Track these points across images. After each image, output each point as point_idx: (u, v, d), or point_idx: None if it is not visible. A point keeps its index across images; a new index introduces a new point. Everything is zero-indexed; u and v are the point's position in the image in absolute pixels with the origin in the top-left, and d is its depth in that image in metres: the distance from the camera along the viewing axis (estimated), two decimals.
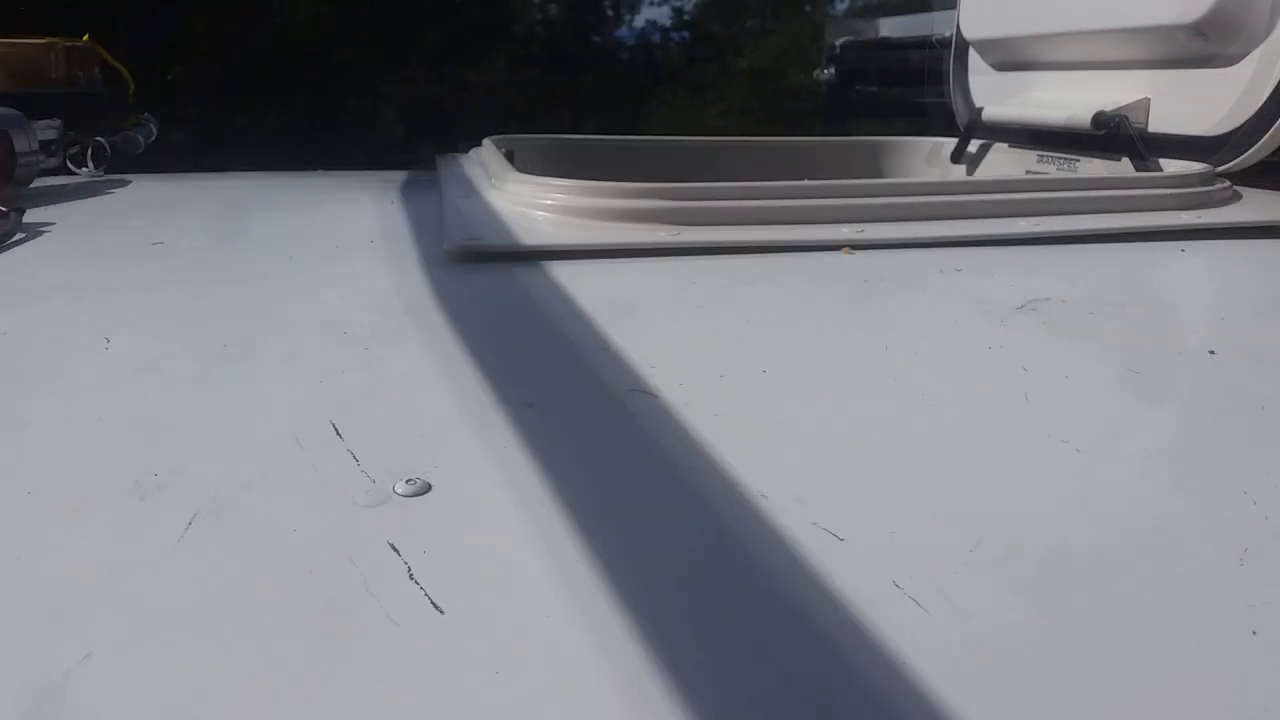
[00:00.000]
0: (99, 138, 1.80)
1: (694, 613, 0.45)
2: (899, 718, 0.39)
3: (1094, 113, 1.50)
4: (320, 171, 1.67)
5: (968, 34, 1.92)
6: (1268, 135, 1.30)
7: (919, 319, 0.83)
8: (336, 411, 0.62)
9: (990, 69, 1.92)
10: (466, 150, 1.66)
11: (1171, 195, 1.18)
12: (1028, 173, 1.69)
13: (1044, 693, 0.40)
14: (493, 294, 0.88)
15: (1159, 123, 1.50)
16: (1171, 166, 1.38)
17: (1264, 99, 1.32)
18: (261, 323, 0.80)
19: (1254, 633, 0.45)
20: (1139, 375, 0.70)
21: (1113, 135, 1.49)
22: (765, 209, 1.06)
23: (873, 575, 0.48)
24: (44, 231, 1.15)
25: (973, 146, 1.85)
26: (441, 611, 0.44)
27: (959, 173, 1.86)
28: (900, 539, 0.51)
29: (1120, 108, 1.49)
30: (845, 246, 1.01)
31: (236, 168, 1.90)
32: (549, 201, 1.10)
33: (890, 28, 3.13)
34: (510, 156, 1.53)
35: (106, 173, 1.76)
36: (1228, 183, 1.27)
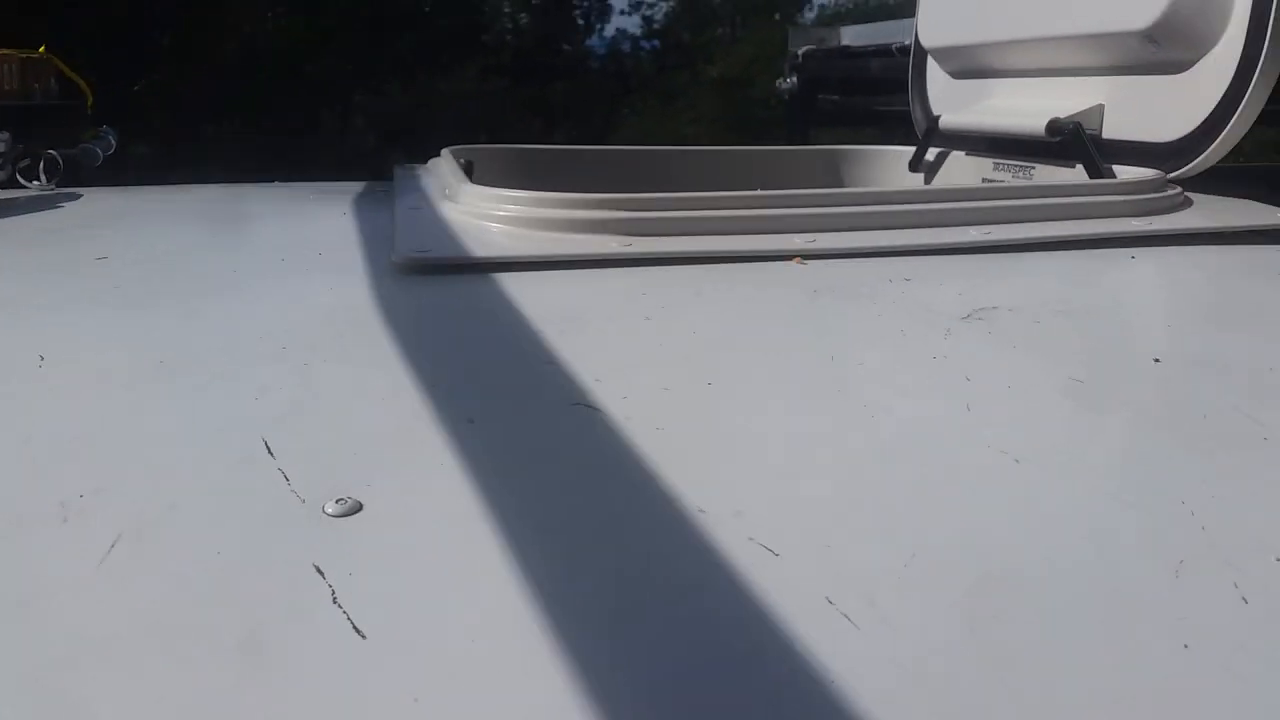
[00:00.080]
0: (51, 150, 1.77)
1: (625, 635, 0.44)
2: None
3: (1048, 120, 1.51)
4: (277, 183, 1.65)
5: (925, 42, 1.93)
6: (1217, 142, 1.32)
7: (866, 329, 0.83)
8: (269, 429, 0.61)
9: (949, 76, 1.93)
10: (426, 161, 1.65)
11: (1122, 202, 1.19)
12: (984, 180, 1.70)
13: (972, 710, 0.40)
14: (440, 306, 0.88)
15: (1115, 129, 1.51)
16: (1125, 173, 1.39)
17: (1213, 105, 1.33)
18: (200, 339, 0.78)
19: (1185, 646, 0.44)
20: (1082, 384, 0.70)
21: (1067, 142, 1.50)
22: (718, 219, 1.05)
23: (805, 591, 0.47)
24: None
25: (930, 155, 1.86)
26: (364, 636, 0.43)
27: (917, 181, 1.87)
28: (835, 554, 0.51)
29: (1074, 115, 1.50)
30: (797, 256, 1.01)
31: (202, 180, 1.88)
32: (502, 213, 1.09)
33: (852, 36, 3.14)
34: (469, 167, 1.52)
35: (61, 185, 1.73)
36: (1179, 189, 1.28)
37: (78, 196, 1.55)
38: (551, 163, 1.92)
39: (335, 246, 1.08)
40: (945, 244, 1.04)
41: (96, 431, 0.63)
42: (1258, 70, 1.28)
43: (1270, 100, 1.30)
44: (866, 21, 3.19)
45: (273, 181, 1.72)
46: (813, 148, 2.12)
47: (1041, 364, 0.75)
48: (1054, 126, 1.50)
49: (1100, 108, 1.52)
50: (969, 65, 1.87)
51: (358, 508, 0.53)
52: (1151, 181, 1.26)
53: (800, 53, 3.22)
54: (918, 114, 1.98)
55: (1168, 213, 1.20)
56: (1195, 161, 1.33)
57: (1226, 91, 1.32)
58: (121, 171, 2.11)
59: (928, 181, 1.86)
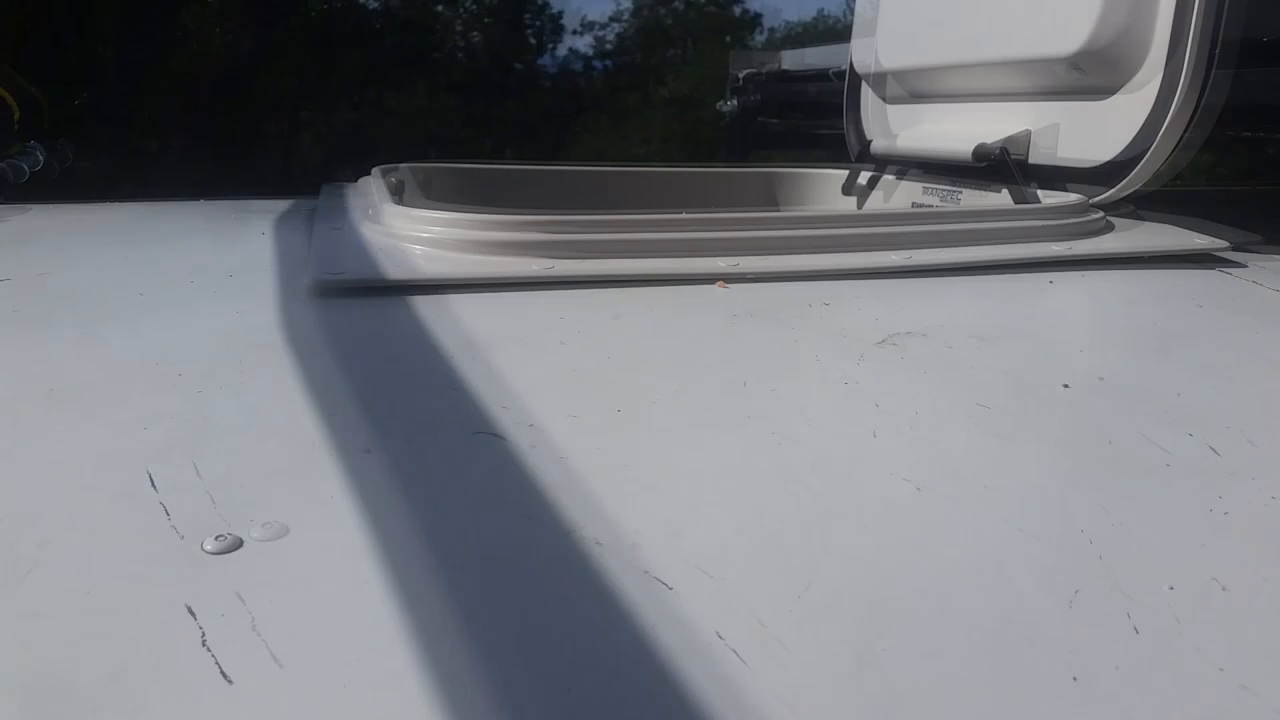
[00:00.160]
0: None
1: (513, 677, 0.43)
2: None
3: (975, 145, 1.52)
4: (202, 201, 1.62)
5: (860, 67, 1.95)
6: (1140, 167, 1.34)
7: (781, 354, 0.82)
8: (154, 461, 0.59)
9: (882, 101, 1.95)
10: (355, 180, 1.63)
11: (1043, 227, 1.20)
12: (914, 204, 1.72)
13: None
14: (351, 331, 0.85)
15: (1043, 154, 1.53)
16: (1049, 198, 1.40)
17: (1135, 131, 1.36)
18: (93, 365, 0.76)
19: (1074, 679, 0.44)
20: (989, 411, 0.70)
21: (994, 167, 1.52)
22: (641, 241, 1.05)
23: (696, 625, 0.46)
24: None
25: (863, 178, 1.88)
26: (230, 682, 0.42)
27: (850, 204, 1.88)
28: (729, 586, 0.50)
29: (1000, 140, 1.52)
30: (720, 279, 1.00)
31: (147, 196, 1.84)
32: (424, 234, 1.07)
33: (791, 60, 3.17)
34: (399, 186, 1.50)
35: None
36: (1101, 214, 1.30)
37: None
38: (489, 181, 1.91)
39: (249, 268, 1.05)
40: (866, 268, 1.05)
41: None
42: (1177, 96, 1.30)
43: (1217, 124, 1.32)
44: (814, 45, 3.22)
45: (217, 198, 1.68)
46: (750, 169, 2.13)
47: (951, 390, 0.75)
48: (980, 152, 1.52)
49: (1027, 133, 1.54)
50: (902, 90, 1.89)
51: (238, 544, 0.51)
52: (1073, 206, 1.28)
53: (741, 75, 3.25)
54: (851, 138, 2.00)
55: (1088, 237, 1.22)
56: (1118, 186, 1.36)
57: (1148, 117, 1.35)
58: (68, 187, 2.06)
59: (860, 204, 1.87)
